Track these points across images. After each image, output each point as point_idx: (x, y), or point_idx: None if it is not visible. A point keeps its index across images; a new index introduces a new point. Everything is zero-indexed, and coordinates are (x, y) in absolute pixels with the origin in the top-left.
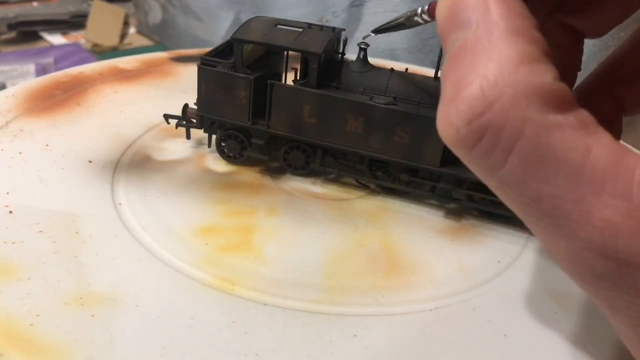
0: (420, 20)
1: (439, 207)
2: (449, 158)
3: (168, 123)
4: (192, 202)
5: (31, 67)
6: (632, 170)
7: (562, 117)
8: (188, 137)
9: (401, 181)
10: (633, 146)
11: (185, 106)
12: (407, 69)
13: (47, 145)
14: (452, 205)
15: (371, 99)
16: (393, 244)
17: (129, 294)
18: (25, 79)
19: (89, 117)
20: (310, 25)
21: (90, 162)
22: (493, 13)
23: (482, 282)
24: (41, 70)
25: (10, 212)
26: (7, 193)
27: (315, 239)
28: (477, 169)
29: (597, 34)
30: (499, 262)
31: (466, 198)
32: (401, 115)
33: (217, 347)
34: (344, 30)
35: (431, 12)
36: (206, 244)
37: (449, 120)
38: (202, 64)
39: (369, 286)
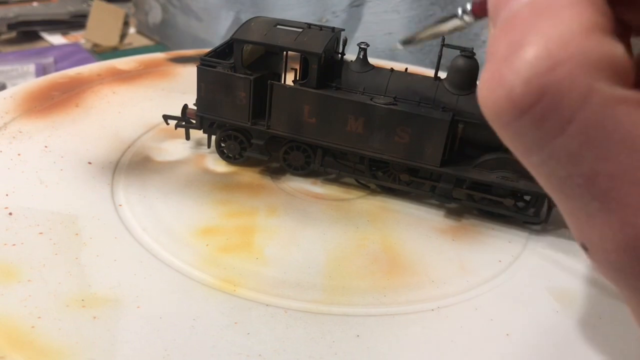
0: (459, 23)
1: (439, 206)
2: (449, 158)
3: (167, 124)
4: (193, 203)
5: (31, 67)
6: None
7: (629, 92)
8: (187, 137)
9: (401, 181)
10: None
11: (185, 107)
12: (406, 69)
13: (46, 146)
14: (453, 205)
15: (371, 99)
16: (394, 243)
17: (130, 295)
18: (25, 79)
19: (88, 118)
20: (310, 25)
21: (89, 163)
22: None
23: (483, 281)
24: (41, 71)
25: (10, 213)
26: (7, 195)
27: (316, 239)
28: (522, 140)
29: None
30: (500, 261)
31: (466, 198)
32: (401, 115)
33: (220, 348)
34: (344, 30)
35: (476, 10)
36: (207, 245)
37: (501, 79)
38: (201, 64)
39: (371, 286)
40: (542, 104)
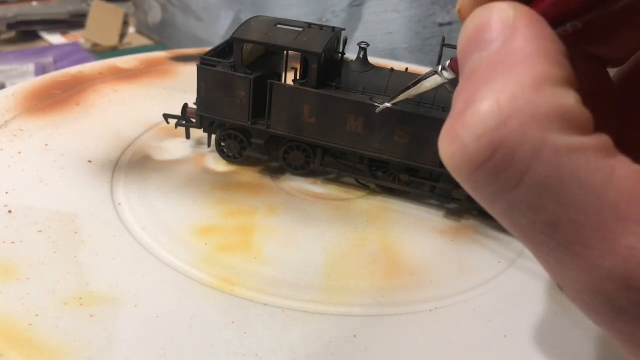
0: (440, 80)
1: (439, 207)
2: None
3: (168, 123)
4: (192, 202)
5: (31, 67)
6: None
7: (583, 139)
8: (188, 137)
9: (401, 181)
10: None
11: (185, 106)
12: (407, 69)
13: (46, 145)
14: (453, 206)
15: (371, 99)
16: (393, 244)
17: (128, 294)
18: (24, 78)
19: (89, 117)
20: (310, 25)
21: (89, 162)
22: (520, 34)
23: (482, 282)
24: (41, 70)
25: (10, 211)
26: (7, 193)
27: (315, 239)
28: (482, 192)
29: (618, 63)
30: (499, 262)
31: (466, 198)
32: (401, 115)
33: (217, 348)
34: (344, 30)
35: (454, 66)
36: (206, 244)
37: (455, 136)
38: (201, 63)
39: (369, 286)
40: (495, 159)
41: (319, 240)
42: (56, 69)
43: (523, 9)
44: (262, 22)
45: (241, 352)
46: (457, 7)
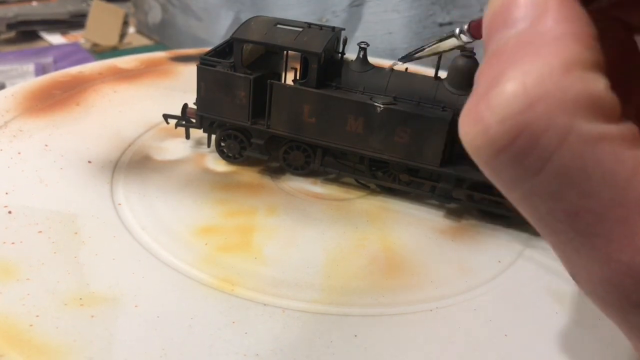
0: (458, 42)
1: (439, 207)
2: (449, 158)
3: (167, 123)
4: (192, 202)
5: (30, 67)
6: None
7: (611, 128)
8: (187, 137)
9: (401, 181)
10: None
11: (185, 106)
12: (407, 69)
13: (46, 145)
14: (453, 205)
15: (371, 99)
16: (393, 244)
17: (128, 294)
18: (24, 78)
19: (89, 117)
20: (310, 24)
21: (89, 162)
22: (551, 13)
23: (483, 282)
24: (40, 70)
25: (10, 212)
26: (7, 193)
27: (315, 239)
28: (501, 176)
29: None
30: (499, 261)
31: (466, 198)
32: (401, 114)
33: (217, 348)
34: (344, 29)
35: (473, 30)
36: (206, 244)
37: (478, 116)
38: (201, 63)
39: (369, 286)
40: (519, 143)
41: (319, 240)
42: (56, 69)
43: None
44: (261, 22)
45: (242, 352)
46: None
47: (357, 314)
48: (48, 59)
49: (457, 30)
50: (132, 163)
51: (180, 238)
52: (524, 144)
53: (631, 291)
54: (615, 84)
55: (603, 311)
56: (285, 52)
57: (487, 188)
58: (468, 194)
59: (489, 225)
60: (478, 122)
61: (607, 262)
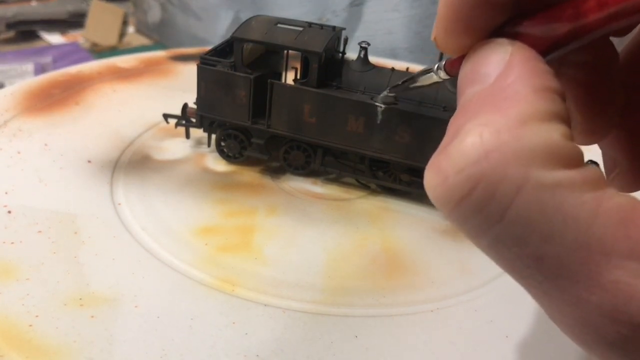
0: (436, 78)
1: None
2: None
3: (167, 122)
4: (192, 202)
5: (30, 67)
6: None
7: (569, 173)
8: (187, 136)
9: (402, 181)
10: None
11: (185, 106)
12: (407, 69)
13: (45, 144)
14: None
15: (372, 99)
16: (394, 244)
17: (128, 294)
18: (23, 78)
19: (88, 117)
20: (310, 24)
21: (89, 161)
22: (514, 69)
23: (484, 282)
24: (40, 70)
25: (9, 212)
26: (6, 193)
27: (316, 239)
28: (465, 226)
29: (621, 32)
30: None
31: None
32: (402, 114)
33: (218, 348)
34: (345, 29)
35: (448, 68)
36: (206, 244)
37: (438, 167)
38: (201, 63)
39: (370, 287)
40: (476, 193)
41: (319, 241)
42: (55, 69)
43: (519, 44)
44: (262, 22)
45: (242, 352)
46: (432, 35)
47: (358, 314)
48: (47, 59)
49: (436, 67)
50: (132, 163)
51: (180, 238)
52: (481, 193)
53: (605, 331)
54: (590, 115)
55: (584, 350)
56: (285, 51)
57: None
58: None
59: None
60: (438, 173)
61: (577, 304)
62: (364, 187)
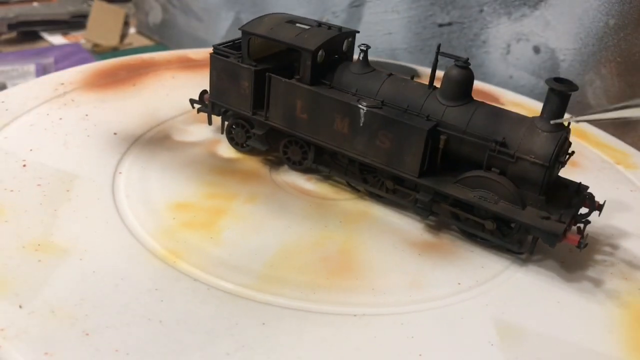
0: None
1: (422, 220)
2: (430, 170)
3: (193, 107)
4: (183, 180)
5: (31, 67)
6: None
7: None
8: (210, 122)
9: (388, 189)
10: (633, 146)
11: (203, 92)
12: (412, 77)
13: (87, 115)
14: (430, 220)
15: (358, 101)
16: (353, 247)
17: (80, 248)
18: (25, 79)
19: (137, 96)
20: (320, 24)
21: (115, 134)
22: None
23: (428, 299)
24: (41, 70)
25: (24, 165)
26: (31, 150)
27: (279, 230)
28: None
29: None
30: (459, 283)
31: (447, 214)
32: (382, 119)
33: (128, 308)
34: (358, 32)
35: None
36: (173, 219)
37: None
38: (214, 52)
39: (306, 282)
40: None
41: (281, 233)
42: (56, 70)
43: None
44: (273, 19)
45: (148, 316)
46: None
47: (277, 304)
48: (49, 59)
49: None
50: (152, 140)
51: (153, 209)
52: None
53: None
54: None
55: None
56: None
57: (470, 207)
58: (450, 210)
59: (469, 247)
60: None
61: None
62: (354, 190)
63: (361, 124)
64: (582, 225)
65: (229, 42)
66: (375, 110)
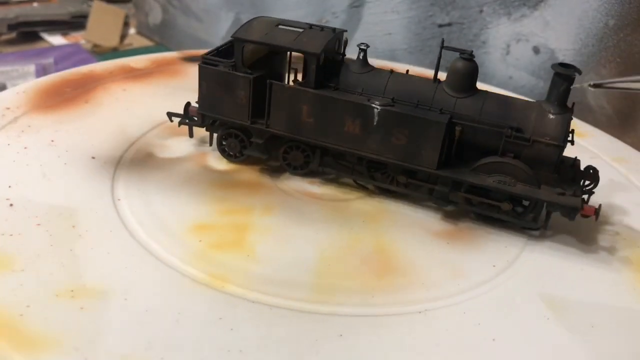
0: None
1: (436, 209)
2: (446, 160)
3: (171, 121)
4: (189, 199)
5: (31, 68)
6: None
7: None
8: (191, 135)
9: (399, 183)
10: (632, 146)
11: (187, 104)
12: (407, 71)
13: (52, 140)
14: (450, 208)
15: (368, 100)
16: (387, 245)
17: (119, 287)
18: (25, 79)
19: (96, 115)
20: (311, 25)
21: (93, 158)
22: None
23: (475, 285)
24: (41, 71)
25: (11, 205)
26: (9, 186)
27: (309, 238)
28: None
29: None
30: (494, 266)
31: (464, 201)
32: (398, 116)
33: (202, 343)
34: (346, 31)
35: None
36: (200, 241)
37: None
38: (203, 63)
39: (359, 287)
40: None
41: (312, 240)
42: (57, 70)
43: None
44: (263, 23)
45: (226, 347)
46: None
47: (344, 313)
48: (49, 60)
49: None
50: (135, 160)
51: (174, 234)
52: None
53: None
54: None
55: None
56: (288, 52)
57: (485, 192)
58: (465, 197)
59: (486, 229)
60: None
61: None
62: (362, 188)
63: (375, 123)
64: (586, 197)
65: (213, 50)
66: (389, 108)
